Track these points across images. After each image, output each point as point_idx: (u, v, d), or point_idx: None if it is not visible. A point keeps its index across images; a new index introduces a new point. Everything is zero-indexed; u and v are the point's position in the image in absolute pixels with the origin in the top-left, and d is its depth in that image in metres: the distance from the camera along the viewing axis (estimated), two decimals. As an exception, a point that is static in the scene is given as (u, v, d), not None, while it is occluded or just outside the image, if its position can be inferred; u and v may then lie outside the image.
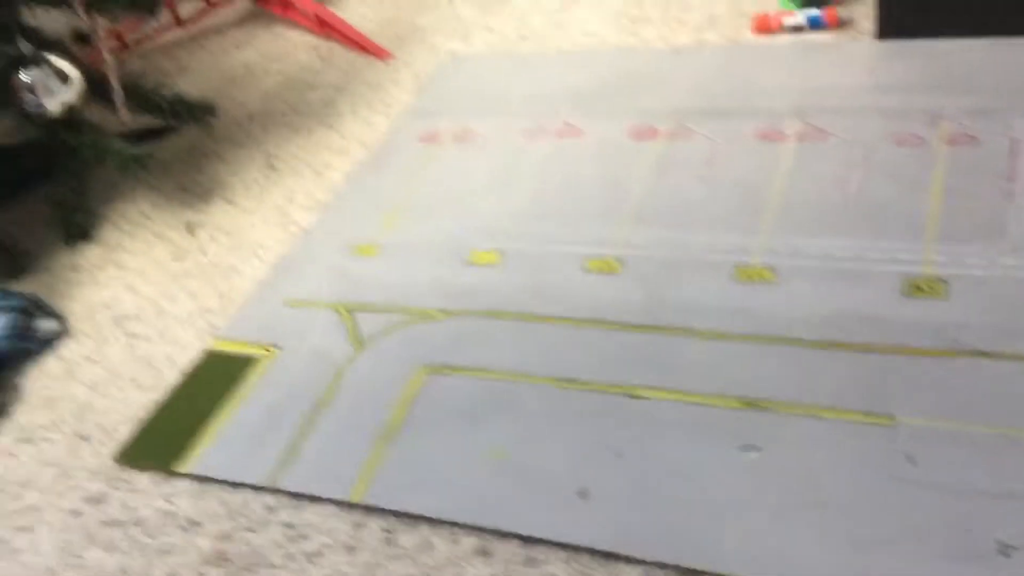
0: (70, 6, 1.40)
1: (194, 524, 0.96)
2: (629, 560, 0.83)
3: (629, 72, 1.54)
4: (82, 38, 1.64)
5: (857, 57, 1.45)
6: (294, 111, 1.66)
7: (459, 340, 1.10)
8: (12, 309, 1.22)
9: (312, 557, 0.90)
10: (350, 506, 0.93)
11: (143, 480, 1.02)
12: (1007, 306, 0.97)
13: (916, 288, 1.02)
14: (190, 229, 1.41)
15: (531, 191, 1.32)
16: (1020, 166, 1.14)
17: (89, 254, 1.41)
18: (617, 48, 1.64)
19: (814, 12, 1.54)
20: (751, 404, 0.94)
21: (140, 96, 1.52)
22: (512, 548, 0.86)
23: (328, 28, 1.85)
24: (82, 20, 1.43)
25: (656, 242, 1.18)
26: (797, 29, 1.55)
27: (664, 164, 1.31)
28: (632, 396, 0.98)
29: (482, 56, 1.72)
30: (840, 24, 1.53)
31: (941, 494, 0.82)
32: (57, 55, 1.38)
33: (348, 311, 1.18)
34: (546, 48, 1.70)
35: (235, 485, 0.99)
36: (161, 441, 1.06)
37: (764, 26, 1.56)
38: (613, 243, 1.19)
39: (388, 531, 0.91)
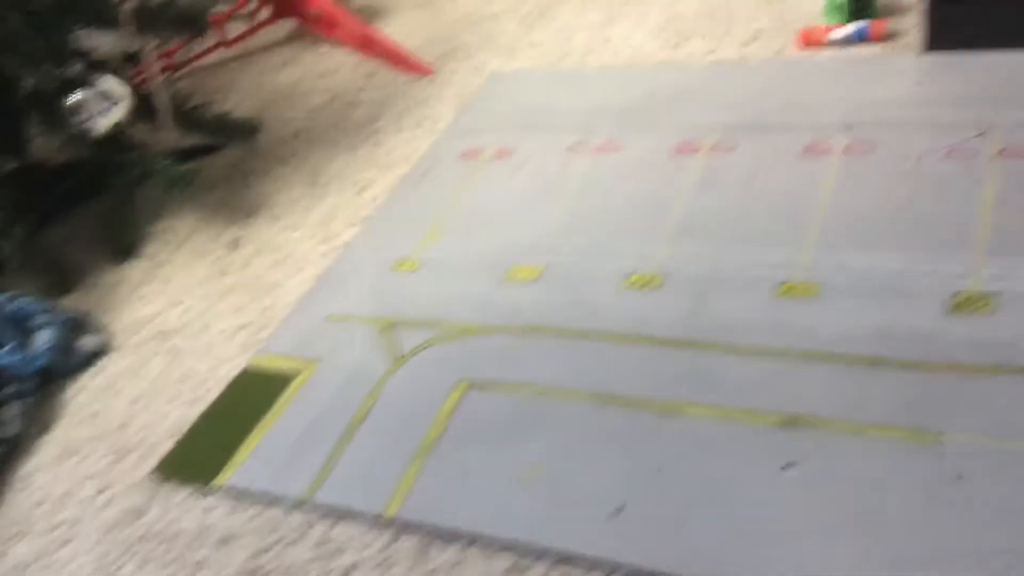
0: (120, 27, 1.42)
1: (231, 538, 0.96)
2: (667, 579, 0.82)
3: (672, 87, 1.53)
4: (130, 58, 1.67)
5: (904, 70, 1.42)
6: (338, 128, 1.67)
7: (498, 355, 1.09)
8: (57, 324, 1.23)
9: (348, 571, 0.89)
10: (386, 521, 0.93)
11: (181, 494, 1.03)
12: (1058, 321, 0.94)
13: (964, 304, 0.99)
14: (234, 245, 1.42)
15: (572, 207, 1.31)
16: (1074, 178, 1.11)
17: (135, 270, 1.43)
18: (661, 63, 1.63)
19: (860, 25, 1.52)
20: (794, 421, 0.92)
21: (186, 115, 1.54)
22: (547, 566, 0.85)
23: (373, 46, 1.87)
24: (132, 41, 1.46)
25: (698, 257, 1.16)
26: (843, 42, 1.52)
27: (707, 179, 1.29)
28: (672, 413, 0.96)
29: (525, 73, 1.72)
30: (887, 37, 1.51)
31: (990, 513, 0.79)
32: (107, 75, 1.41)
33: (388, 326, 1.17)
34: (590, 64, 1.70)
35: (272, 499, 0.99)
36: (200, 455, 1.06)
37: (810, 40, 1.54)
38: (654, 258, 1.17)
39: (423, 546, 0.90)
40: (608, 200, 1.31)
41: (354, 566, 0.89)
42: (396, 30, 1.98)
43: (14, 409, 1.14)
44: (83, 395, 1.20)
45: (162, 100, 1.50)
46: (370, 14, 2.07)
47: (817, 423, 0.91)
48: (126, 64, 1.63)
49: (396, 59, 1.82)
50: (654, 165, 1.35)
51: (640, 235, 1.22)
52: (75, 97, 1.37)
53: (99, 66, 1.46)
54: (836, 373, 0.96)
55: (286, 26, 2.08)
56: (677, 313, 1.09)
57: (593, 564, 0.84)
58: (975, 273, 1.02)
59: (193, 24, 1.52)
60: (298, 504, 0.97)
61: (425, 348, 1.13)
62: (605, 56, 1.71)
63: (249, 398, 1.12)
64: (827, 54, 1.52)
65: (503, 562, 0.86)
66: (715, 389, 0.98)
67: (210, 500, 1.01)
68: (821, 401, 0.93)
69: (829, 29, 1.53)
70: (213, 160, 1.64)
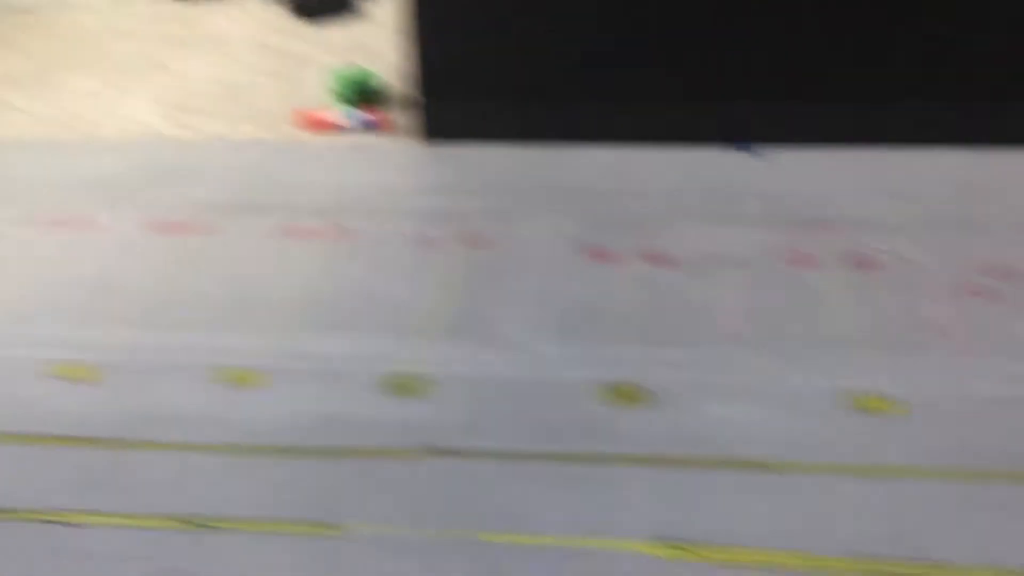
0: None
1: None
2: None
3: (165, 163, 1.44)
4: None
5: (398, 160, 1.45)
6: None
7: None
8: None
9: None
10: None
11: None
12: (480, 402, 0.96)
13: (399, 388, 0.98)
14: None
15: (14, 289, 1.16)
16: (522, 266, 1.15)
17: None
18: (160, 138, 1.53)
19: (363, 114, 1.53)
20: (195, 524, 0.83)
21: None
22: None
23: None
24: None
25: (144, 345, 1.06)
26: (344, 128, 1.52)
27: (179, 260, 1.21)
28: (65, 523, 0.83)
29: (3, 141, 1.53)
30: (390, 127, 1.53)
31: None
32: None
33: None
34: (85, 135, 1.56)
35: None
36: None
37: (310, 123, 1.53)
38: (94, 347, 1.06)
39: None
40: (61, 281, 1.17)
41: None
42: None
43: None
44: None
45: None
46: None
47: (222, 524, 0.83)
48: None
49: None
50: (126, 244, 1.24)
51: (84, 319, 1.10)
52: None
53: None
54: (256, 467, 0.89)
55: None
56: (106, 408, 0.97)
57: None
58: (416, 357, 1.01)
59: None
60: None
61: None
62: (105, 128, 1.58)
63: None
64: (326, 140, 1.50)
65: None
66: (122, 493, 0.87)
67: None
68: (233, 499, 0.86)
69: (331, 114, 1.52)
70: None
